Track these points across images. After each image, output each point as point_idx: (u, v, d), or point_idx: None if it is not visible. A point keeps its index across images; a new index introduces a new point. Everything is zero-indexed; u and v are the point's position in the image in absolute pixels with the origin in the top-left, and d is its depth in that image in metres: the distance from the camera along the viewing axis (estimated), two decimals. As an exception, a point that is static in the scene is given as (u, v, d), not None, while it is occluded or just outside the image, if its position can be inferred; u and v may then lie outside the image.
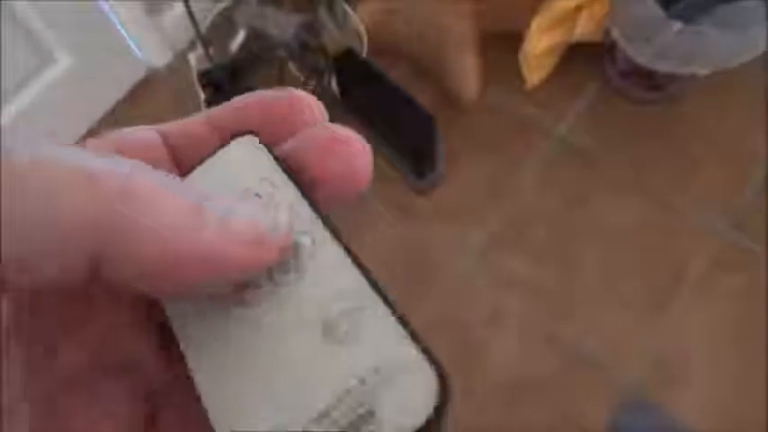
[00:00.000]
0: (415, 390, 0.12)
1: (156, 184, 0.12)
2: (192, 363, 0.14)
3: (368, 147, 0.16)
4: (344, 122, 1.06)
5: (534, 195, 1.24)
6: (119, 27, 1.28)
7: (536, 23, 1.21)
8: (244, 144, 0.16)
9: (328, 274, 0.14)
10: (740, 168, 1.23)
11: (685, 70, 1.18)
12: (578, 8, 1.21)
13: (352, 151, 0.16)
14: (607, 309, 1.14)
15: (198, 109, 1.32)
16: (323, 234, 0.15)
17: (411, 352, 0.13)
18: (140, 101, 1.36)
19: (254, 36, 1.33)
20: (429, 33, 1.25)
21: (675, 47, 1.13)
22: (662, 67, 1.18)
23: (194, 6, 1.05)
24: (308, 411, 0.12)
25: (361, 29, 1.25)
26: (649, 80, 1.28)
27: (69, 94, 1.25)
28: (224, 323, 0.14)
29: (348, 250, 0.14)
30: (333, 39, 1.29)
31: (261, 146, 0.16)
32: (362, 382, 0.13)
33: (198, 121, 0.17)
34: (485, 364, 1.11)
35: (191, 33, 1.32)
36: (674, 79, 1.27)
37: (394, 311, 0.13)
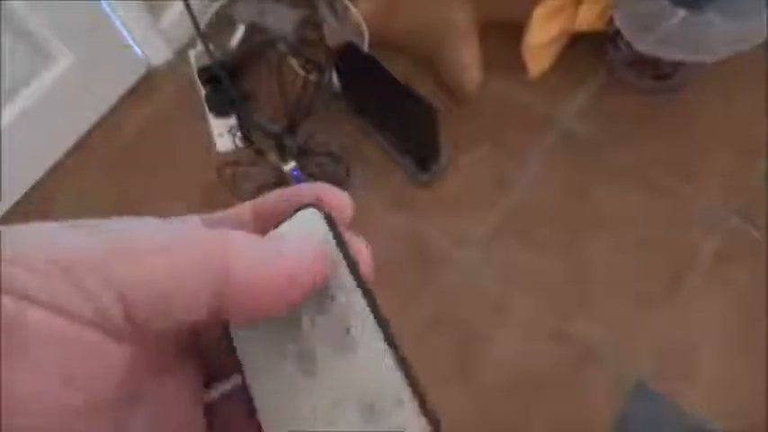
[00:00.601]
0: None
1: (246, 242, 0.17)
2: (252, 388, 0.19)
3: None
4: (346, 117, 1.07)
5: (538, 187, 1.23)
6: (118, 25, 1.27)
7: (537, 13, 1.20)
8: (310, 214, 0.20)
9: (372, 363, 0.17)
10: (745, 157, 1.22)
11: (690, 58, 1.17)
12: (580, -3, 1.19)
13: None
14: (612, 300, 1.13)
15: (199, 105, 1.32)
16: (370, 321, 0.18)
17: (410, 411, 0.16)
18: (142, 98, 1.36)
19: (254, 31, 1.33)
20: (429, 25, 1.24)
21: (679, 35, 1.12)
22: (666, 55, 1.16)
23: (193, 3, 1.04)
24: None
25: (362, 22, 1.25)
26: (653, 69, 1.26)
27: (70, 92, 1.25)
28: (274, 351, 0.18)
29: (391, 341, 0.17)
30: (333, 33, 1.28)
31: (324, 218, 0.20)
32: None
33: (245, 210, 0.22)
34: (489, 358, 1.11)
35: (190, 30, 1.31)
36: (679, 68, 1.25)
37: (424, 408, 0.17)
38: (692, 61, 1.19)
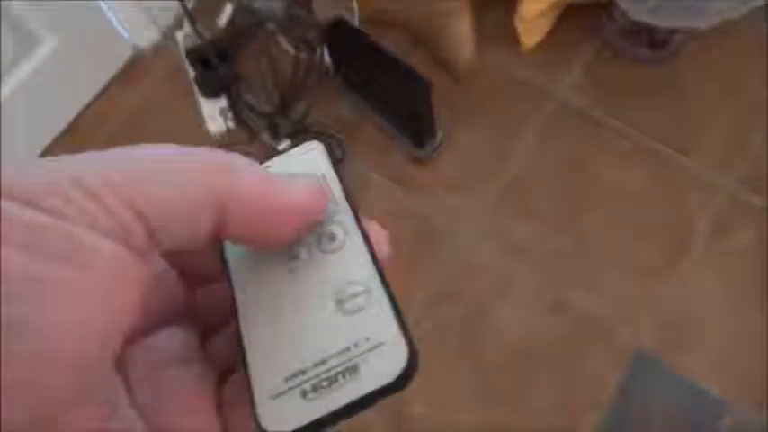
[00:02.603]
0: (391, 358, 0.16)
1: (249, 162, 0.18)
2: (238, 300, 0.19)
3: None
4: (340, 95, 1.05)
5: (536, 160, 1.22)
6: (103, 6, 1.24)
7: (531, -17, 1.18)
8: (313, 149, 0.21)
9: (351, 261, 0.19)
10: (743, 125, 1.21)
11: (685, 24, 1.16)
12: (574, -35, 1.17)
13: None
14: (612, 272, 1.13)
15: (189, 87, 1.29)
16: (354, 230, 0.19)
17: (394, 330, 0.17)
18: (130, 82, 1.33)
19: (242, 10, 1.30)
20: (421, -1, 1.22)
21: (674, 1, 1.10)
22: (661, 22, 1.15)
23: (179, -20, 1.02)
24: (313, 357, 0.17)
25: (352, -3, 1.22)
26: (648, 37, 1.25)
27: (57, 76, 1.22)
28: (270, 277, 0.19)
29: (370, 247, 0.19)
30: (323, 9, 1.25)
31: (324, 152, 0.21)
32: (356, 345, 0.17)
33: None
34: (490, 331, 1.10)
35: (177, 10, 1.29)
36: (674, 35, 1.24)
37: (392, 300, 0.18)
38: (687, 27, 1.18)
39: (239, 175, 0.17)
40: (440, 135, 1.20)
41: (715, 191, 1.16)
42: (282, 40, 1.28)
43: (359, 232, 0.19)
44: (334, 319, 0.18)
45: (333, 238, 0.19)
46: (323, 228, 0.19)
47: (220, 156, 0.17)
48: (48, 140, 1.27)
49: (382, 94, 1.17)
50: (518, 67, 1.28)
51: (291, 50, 1.25)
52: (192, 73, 1.24)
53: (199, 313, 0.21)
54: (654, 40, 1.25)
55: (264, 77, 1.23)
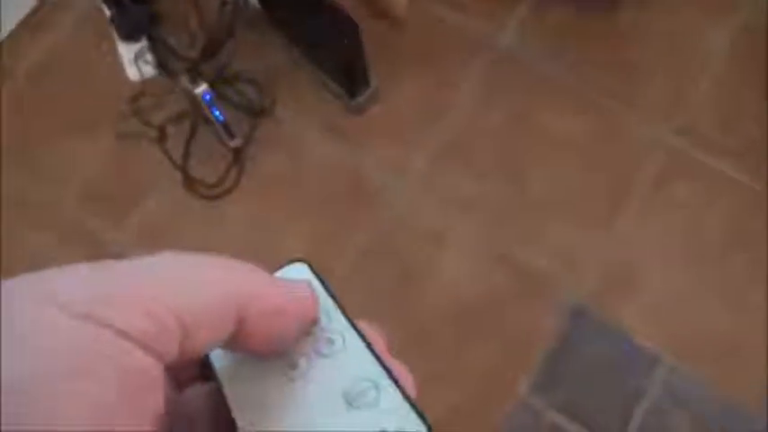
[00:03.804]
0: None
1: (254, 267, 0.19)
2: (237, 414, 0.19)
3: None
4: (267, 37, 0.97)
5: (476, 110, 1.16)
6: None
7: None
8: (299, 267, 0.22)
9: (354, 360, 0.19)
10: (687, 75, 1.18)
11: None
12: None
13: None
14: (555, 224, 1.09)
15: (104, 28, 1.20)
16: (352, 335, 0.20)
17: (412, 416, 0.17)
18: (41, 26, 1.23)
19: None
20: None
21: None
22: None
23: None
24: None
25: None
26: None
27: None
28: (269, 389, 0.19)
29: (368, 344, 0.19)
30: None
31: (311, 271, 0.22)
32: None
33: None
34: (430, 286, 1.06)
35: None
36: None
37: (401, 389, 0.18)
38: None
39: (254, 279, 0.18)
40: (374, 84, 1.13)
41: (657, 140, 1.13)
42: (208, -19, 1.19)
43: (354, 332, 0.20)
44: (348, 418, 0.18)
45: (331, 342, 0.20)
46: (319, 335, 0.20)
47: (235, 262, 0.18)
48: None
49: (312, 38, 1.10)
50: (457, 14, 1.22)
51: (217, -8, 1.17)
52: (107, 12, 1.15)
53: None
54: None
55: (188, 19, 1.15)
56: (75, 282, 0.15)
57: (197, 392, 0.21)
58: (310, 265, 0.22)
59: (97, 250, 1.08)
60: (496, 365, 1.01)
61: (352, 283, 1.04)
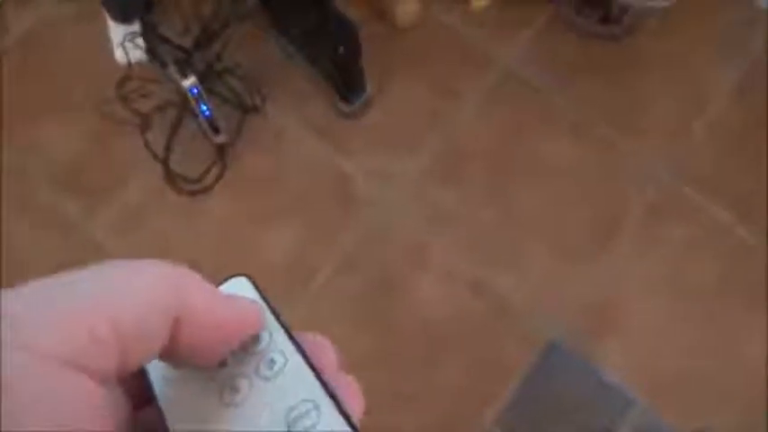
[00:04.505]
0: None
1: (196, 277, 0.18)
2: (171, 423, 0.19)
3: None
4: (262, 33, 0.93)
5: (471, 127, 1.14)
6: None
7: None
8: (242, 282, 0.22)
9: (295, 381, 0.19)
10: (686, 112, 1.15)
11: (647, 3, 1.09)
12: None
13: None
14: (535, 251, 1.07)
15: (97, 11, 1.15)
16: (291, 349, 0.19)
17: None
18: (27, 1, 1.19)
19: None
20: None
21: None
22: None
23: None
24: None
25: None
26: (603, 11, 1.18)
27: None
28: (210, 415, 0.19)
29: (309, 362, 0.19)
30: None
31: (254, 287, 0.21)
32: None
33: None
34: (403, 301, 1.03)
35: None
36: (629, 12, 1.17)
37: (341, 409, 0.18)
38: (646, 6, 1.11)
39: (194, 290, 0.17)
40: (369, 89, 1.10)
41: (651, 178, 1.11)
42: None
43: (296, 351, 0.19)
44: None
45: (272, 363, 0.19)
46: (260, 356, 0.20)
47: (170, 269, 0.17)
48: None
49: (310, 38, 1.07)
50: (464, 28, 1.19)
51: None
52: (100, -8, 1.10)
53: None
54: (607, 15, 1.18)
55: (184, 7, 1.11)
56: (12, 305, 0.15)
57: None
58: (253, 281, 0.21)
59: (71, 237, 1.04)
60: (464, 391, 0.99)
61: (328, 290, 1.01)
